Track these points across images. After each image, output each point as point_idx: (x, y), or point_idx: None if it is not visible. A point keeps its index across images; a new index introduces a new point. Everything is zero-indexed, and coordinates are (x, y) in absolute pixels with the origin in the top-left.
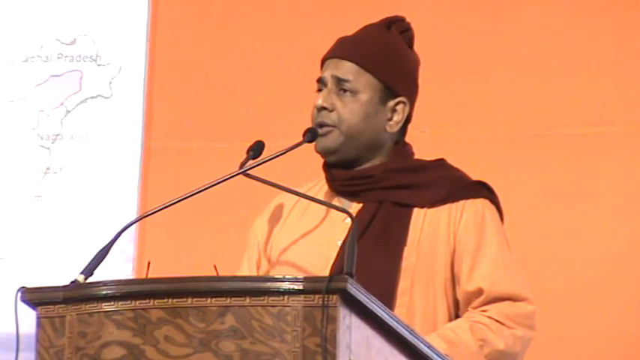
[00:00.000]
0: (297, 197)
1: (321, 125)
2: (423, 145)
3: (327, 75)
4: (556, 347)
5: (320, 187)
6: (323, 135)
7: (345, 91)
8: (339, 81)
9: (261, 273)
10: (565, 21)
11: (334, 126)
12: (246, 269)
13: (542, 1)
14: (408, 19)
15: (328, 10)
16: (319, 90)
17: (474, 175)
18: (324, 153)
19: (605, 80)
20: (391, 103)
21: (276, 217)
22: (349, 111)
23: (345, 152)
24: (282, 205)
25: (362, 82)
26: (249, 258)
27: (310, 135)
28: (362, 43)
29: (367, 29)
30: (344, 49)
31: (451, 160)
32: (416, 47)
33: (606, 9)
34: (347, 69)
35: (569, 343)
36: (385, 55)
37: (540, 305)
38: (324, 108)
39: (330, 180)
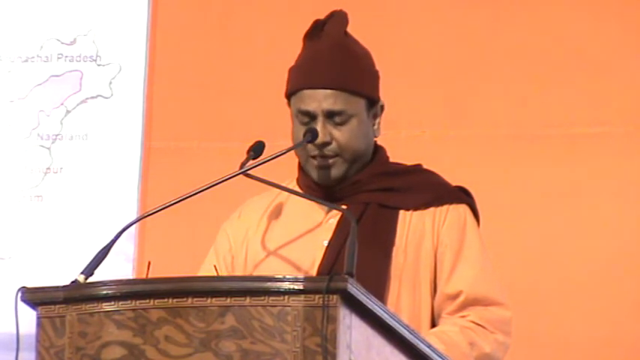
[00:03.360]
0: (269, 200)
1: (323, 157)
2: (423, 145)
3: (316, 109)
4: (555, 348)
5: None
6: (327, 167)
7: (339, 120)
8: (333, 114)
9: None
10: (565, 21)
11: (337, 155)
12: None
13: (543, 1)
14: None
15: (329, 10)
16: (304, 122)
17: (474, 175)
18: (330, 183)
19: (605, 80)
20: (372, 111)
21: (250, 220)
22: (349, 137)
23: (348, 174)
24: (255, 208)
25: (353, 107)
26: (221, 260)
27: (310, 135)
28: (338, 64)
29: (330, 45)
30: (324, 77)
31: (452, 160)
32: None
33: (606, 9)
34: (336, 99)
35: (568, 344)
36: (361, 69)
37: (539, 306)
38: (326, 143)
39: (307, 186)
